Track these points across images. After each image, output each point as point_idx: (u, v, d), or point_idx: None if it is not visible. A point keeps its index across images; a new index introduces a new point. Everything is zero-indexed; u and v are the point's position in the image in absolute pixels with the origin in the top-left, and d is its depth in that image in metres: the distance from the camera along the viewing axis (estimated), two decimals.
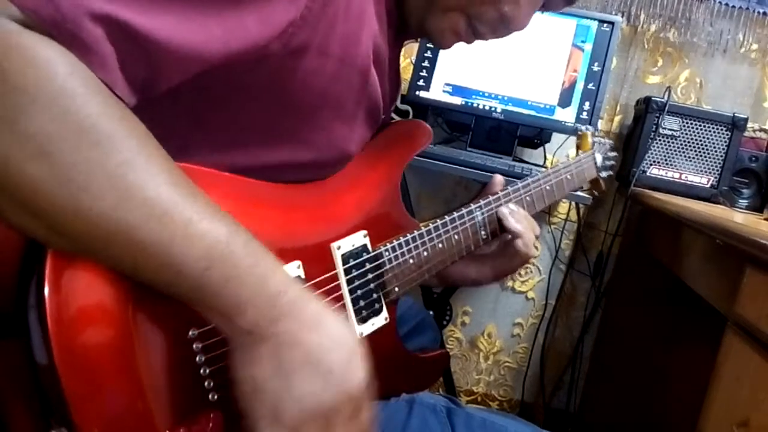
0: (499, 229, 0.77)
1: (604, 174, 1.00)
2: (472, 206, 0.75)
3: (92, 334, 0.41)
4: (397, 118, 1.40)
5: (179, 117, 0.52)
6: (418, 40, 1.49)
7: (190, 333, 0.47)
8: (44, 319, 0.39)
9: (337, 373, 0.45)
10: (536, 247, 1.72)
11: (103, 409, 0.41)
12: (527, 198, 0.81)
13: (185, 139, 0.44)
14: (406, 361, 0.73)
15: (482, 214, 0.75)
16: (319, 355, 0.45)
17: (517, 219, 0.76)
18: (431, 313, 1.59)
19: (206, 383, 0.48)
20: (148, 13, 0.42)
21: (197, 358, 0.47)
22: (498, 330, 1.79)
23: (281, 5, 0.48)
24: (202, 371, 0.48)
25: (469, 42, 0.69)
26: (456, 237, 0.72)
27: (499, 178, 0.82)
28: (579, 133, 1.00)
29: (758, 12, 1.62)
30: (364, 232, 0.64)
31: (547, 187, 0.84)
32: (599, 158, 0.97)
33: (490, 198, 0.77)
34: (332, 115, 0.59)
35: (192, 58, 0.44)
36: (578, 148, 1.00)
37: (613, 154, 1.04)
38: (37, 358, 0.40)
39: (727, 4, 1.62)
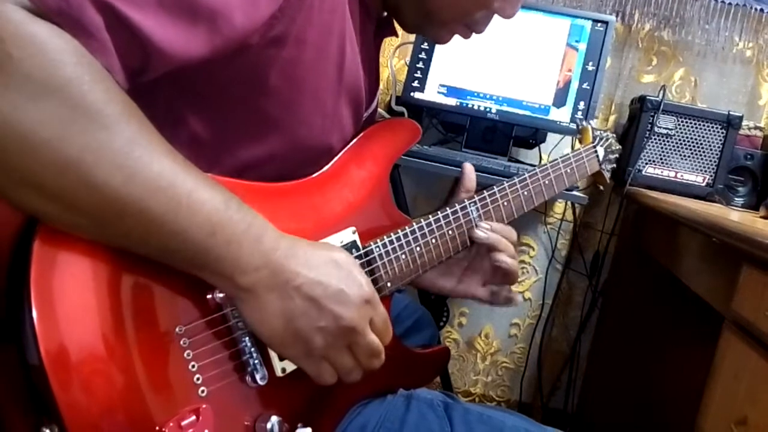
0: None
1: (607, 167, 0.99)
2: (466, 201, 0.74)
3: (79, 332, 0.42)
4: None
5: (158, 117, 0.53)
6: (408, 37, 1.49)
7: (177, 329, 0.48)
8: (32, 319, 0.40)
9: (340, 293, 0.51)
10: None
11: (92, 406, 0.42)
12: (524, 193, 0.80)
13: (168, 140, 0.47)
14: (404, 358, 0.73)
15: (477, 209, 0.75)
16: (318, 291, 0.50)
17: (487, 230, 0.74)
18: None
19: (195, 378, 0.49)
20: (141, 9, 0.44)
21: (185, 354, 0.49)
22: (495, 330, 1.79)
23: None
24: (191, 367, 0.49)
25: (466, 38, 0.73)
26: (450, 233, 0.72)
27: (469, 167, 0.80)
28: (580, 127, 1.00)
29: (755, 9, 1.61)
30: (353, 228, 0.64)
31: (546, 182, 0.84)
32: (601, 151, 0.96)
33: (485, 193, 0.76)
34: (311, 106, 0.60)
35: (172, 57, 0.47)
36: (580, 142, 0.99)
37: (618, 147, 1.02)
38: (28, 357, 0.41)
39: (723, 2, 1.62)
